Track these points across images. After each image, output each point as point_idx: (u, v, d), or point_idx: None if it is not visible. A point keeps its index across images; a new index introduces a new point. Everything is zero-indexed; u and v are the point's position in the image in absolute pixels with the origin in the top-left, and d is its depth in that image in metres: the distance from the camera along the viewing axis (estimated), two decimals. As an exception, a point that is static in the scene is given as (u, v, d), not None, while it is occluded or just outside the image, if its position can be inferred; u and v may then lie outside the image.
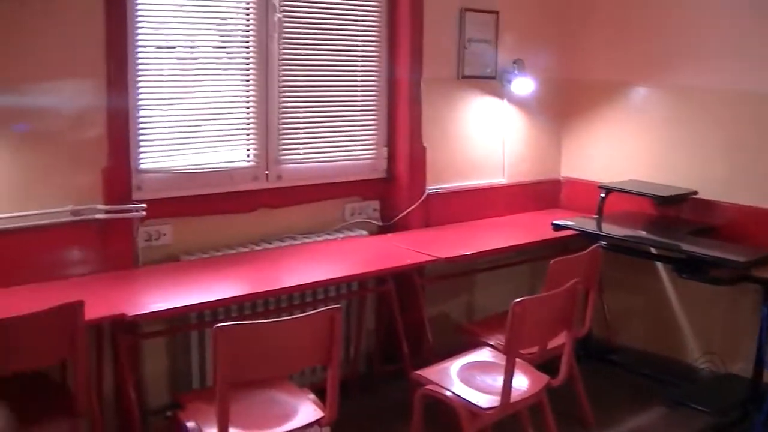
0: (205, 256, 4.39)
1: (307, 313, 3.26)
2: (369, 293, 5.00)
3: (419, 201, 5.22)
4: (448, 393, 3.69)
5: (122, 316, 3.46)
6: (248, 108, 4.59)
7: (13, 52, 3.76)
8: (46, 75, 3.86)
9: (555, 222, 5.12)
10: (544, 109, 5.96)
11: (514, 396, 3.63)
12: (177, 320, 4.23)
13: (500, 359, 3.82)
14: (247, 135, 4.61)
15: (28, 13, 3.77)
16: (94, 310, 3.31)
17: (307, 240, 4.80)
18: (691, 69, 5.32)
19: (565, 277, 3.84)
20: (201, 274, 4.11)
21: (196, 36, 4.40)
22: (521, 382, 3.76)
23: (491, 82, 5.59)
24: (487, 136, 5.66)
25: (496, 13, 5.51)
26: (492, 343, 4.27)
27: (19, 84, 3.80)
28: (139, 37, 4.14)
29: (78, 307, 3.18)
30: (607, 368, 5.44)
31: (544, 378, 3.86)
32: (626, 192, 5.25)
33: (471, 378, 3.83)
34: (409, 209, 5.19)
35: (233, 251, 4.50)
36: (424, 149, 5.23)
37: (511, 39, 5.62)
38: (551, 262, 4.12)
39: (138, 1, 4.10)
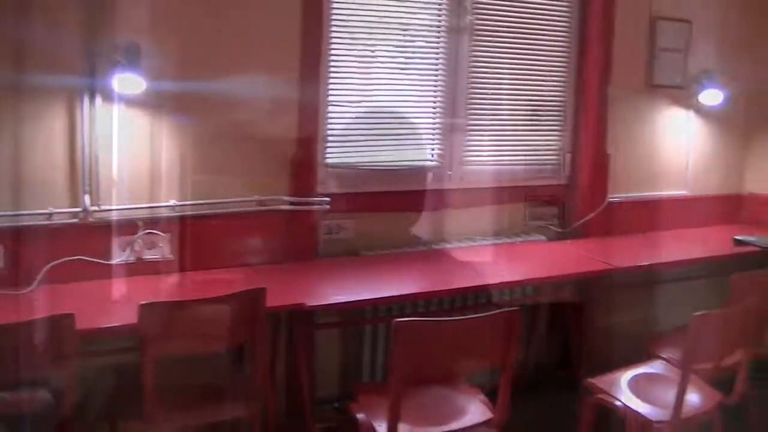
0: (385, 252, 4.34)
1: (487, 313, 3.12)
2: (544, 299, 4.80)
3: (599, 209, 5.00)
4: (618, 403, 3.53)
5: (302, 305, 3.45)
6: (435, 109, 4.51)
7: (213, 44, 3.80)
8: (242, 68, 3.87)
9: (737, 237, 4.83)
10: (731, 122, 5.64)
11: (687, 411, 3.42)
12: (352, 313, 4.18)
13: (673, 373, 3.67)
14: (433, 135, 4.53)
15: (229, 6, 3.81)
16: (275, 298, 3.30)
17: (485, 242, 4.68)
18: None
19: (748, 294, 3.60)
20: (379, 269, 4.08)
21: (383, 36, 4.35)
22: (694, 398, 3.55)
23: (680, 92, 5.33)
24: (672, 147, 5.41)
25: (689, 22, 5.25)
26: (665, 356, 4.06)
27: (217, 75, 3.82)
28: (332, 35, 4.13)
29: (260, 293, 3.19)
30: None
31: (718, 395, 3.63)
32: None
33: (642, 390, 3.65)
34: (589, 216, 4.99)
35: (412, 249, 4.44)
36: (608, 157, 5.02)
37: (703, 49, 5.34)
38: (731, 277, 3.84)
39: (333, 1, 4.11)
